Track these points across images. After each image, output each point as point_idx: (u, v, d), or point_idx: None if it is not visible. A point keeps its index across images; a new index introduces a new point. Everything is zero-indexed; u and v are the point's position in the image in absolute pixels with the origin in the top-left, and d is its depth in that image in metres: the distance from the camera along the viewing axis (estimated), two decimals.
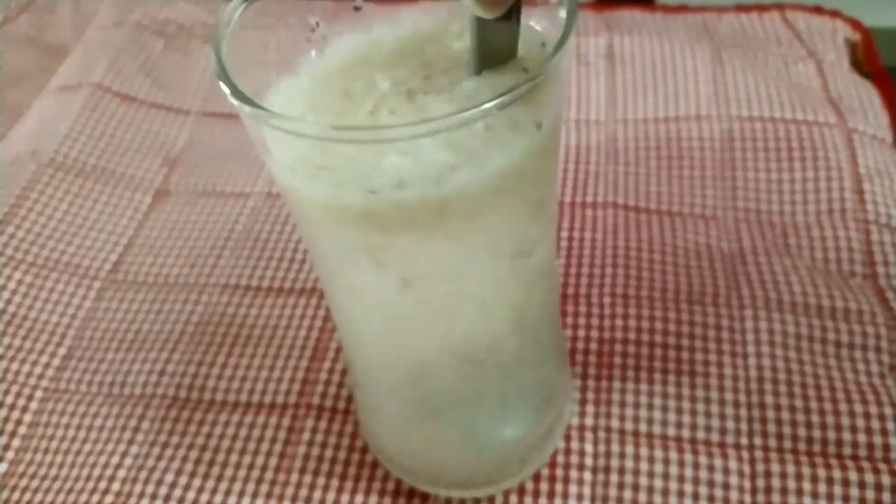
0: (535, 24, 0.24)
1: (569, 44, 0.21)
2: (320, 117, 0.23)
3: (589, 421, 0.35)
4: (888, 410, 0.34)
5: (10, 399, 0.38)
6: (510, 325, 0.27)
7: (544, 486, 0.33)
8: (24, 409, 0.38)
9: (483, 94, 0.22)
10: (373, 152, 0.21)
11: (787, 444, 0.34)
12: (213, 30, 0.23)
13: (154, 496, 0.34)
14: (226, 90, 0.20)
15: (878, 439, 0.33)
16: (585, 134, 0.48)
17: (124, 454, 0.36)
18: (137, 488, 0.34)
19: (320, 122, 0.22)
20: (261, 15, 0.24)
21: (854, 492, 0.32)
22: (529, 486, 0.33)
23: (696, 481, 0.33)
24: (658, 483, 0.33)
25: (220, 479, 0.35)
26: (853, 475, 0.32)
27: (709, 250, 0.41)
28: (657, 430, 0.34)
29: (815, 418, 0.34)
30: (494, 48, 0.22)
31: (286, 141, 0.21)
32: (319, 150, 0.21)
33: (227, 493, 0.34)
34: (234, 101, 0.20)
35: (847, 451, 0.33)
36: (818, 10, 0.56)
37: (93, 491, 0.34)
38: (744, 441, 0.34)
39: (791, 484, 0.32)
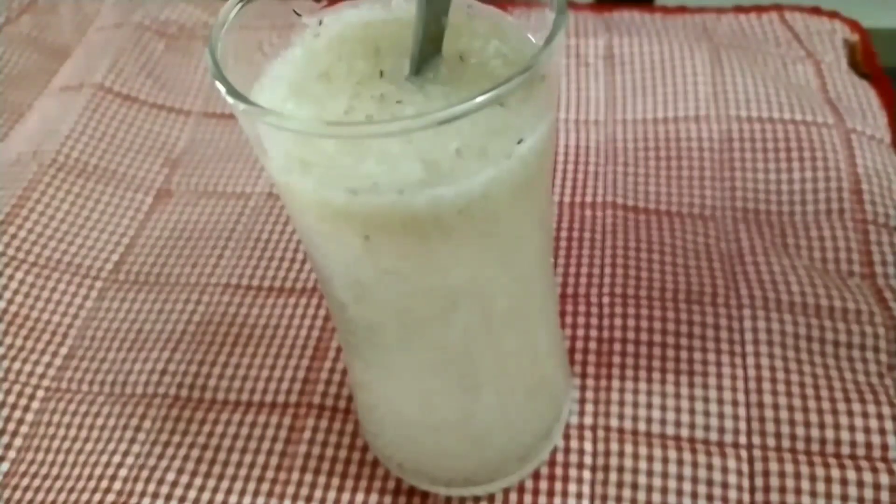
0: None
1: (558, 43, 0.21)
2: (300, 103, 0.23)
3: (588, 420, 0.35)
4: (886, 410, 0.34)
5: (11, 399, 0.38)
6: (507, 323, 0.27)
7: (544, 485, 0.33)
8: (26, 409, 0.38)
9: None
10: (353, 154, 0.21)
11: (786, 444, 0.34)
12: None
13: (155, 495, 0.34)
14: (221, 89, 0.21)
15: (875, 438, 0.33)
16: (584, 134, 0.48)
17: (125, 453, 0.36)
18: (139, 487, 0.34)
19: (314, 119, 0.22)
20: (257, 15, 0.24)
21: (852, 491, 0.32)
22: (529, 484, 0.33)
23: (694, 480, 0.33)
24: (657, 482, 0.33)
25: (220, 477, 0.35)
26: (851, 474, 0.32)
27: (707, 250, 0.42)
28: (656, 429, 0.35)
29: (814, 418, 0.34)
30: (436, 28, 0.22)
31: (279, 137, 0.22)
32: (308, 147, 0.21)
33: (228, 491, 0.34)
34: (230, 100, 0.20)
35: (845, 450, 0.33)
36: (817, 10, 0.56)
37: (94, 490, 0.34)
38: (742, 440, 0.34)
39: (789, 483, 0.32)
